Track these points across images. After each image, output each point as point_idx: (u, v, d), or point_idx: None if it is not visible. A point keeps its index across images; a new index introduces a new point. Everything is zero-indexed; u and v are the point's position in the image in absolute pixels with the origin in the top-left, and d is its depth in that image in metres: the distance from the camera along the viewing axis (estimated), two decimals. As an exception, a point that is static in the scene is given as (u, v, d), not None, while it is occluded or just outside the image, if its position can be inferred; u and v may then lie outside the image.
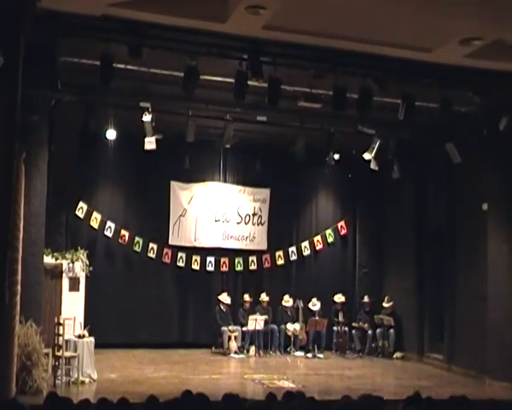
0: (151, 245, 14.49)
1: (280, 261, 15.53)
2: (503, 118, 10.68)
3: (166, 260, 14.61)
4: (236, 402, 5.26)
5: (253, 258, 15.26)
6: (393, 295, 15.20)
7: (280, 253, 15.51)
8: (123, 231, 14.35)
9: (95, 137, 12.46)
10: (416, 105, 10.22)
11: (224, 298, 14.53)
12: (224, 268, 15.07)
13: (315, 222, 16.22)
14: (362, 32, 8.80)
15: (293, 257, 15.68)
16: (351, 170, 15.73)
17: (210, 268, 14.93)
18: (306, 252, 15.79)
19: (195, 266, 14.81)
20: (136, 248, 14.41)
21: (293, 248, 15.69)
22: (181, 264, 14.72)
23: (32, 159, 9.53)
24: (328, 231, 16.02)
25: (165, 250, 14.60)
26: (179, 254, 14.69)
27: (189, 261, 14.76)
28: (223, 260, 15.04)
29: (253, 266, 15.29)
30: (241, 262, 15.20)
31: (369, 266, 16.19)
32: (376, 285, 15.96)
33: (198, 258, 14.83)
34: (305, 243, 15.80)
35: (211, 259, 14.91)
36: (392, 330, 14.78)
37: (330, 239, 16.01)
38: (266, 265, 15.43)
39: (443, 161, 12.75)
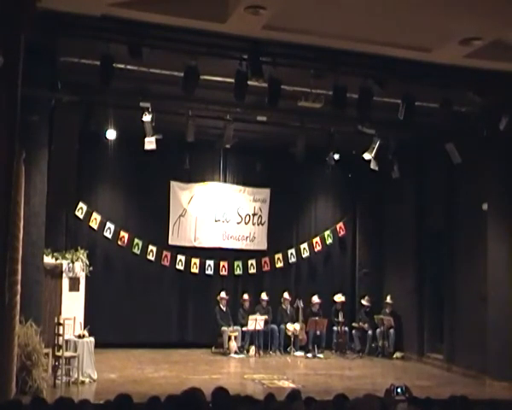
0: (150, 247, 14.48)
1: (279, 264, 15.53)
2: (503, 118, 10.68)
3: (166, 262, 14.61)
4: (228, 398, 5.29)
5: (252, 261, 15.25)
6: (393, 295, 15.21)
7: (279, 255, 15.51)
8: (122, 233, 14.35)
9: (95, 137, 12.50)
10: (416, 105, 10.22)
11: (223, 295, 14.55)
12: (224, 272, 15.07)
13: (314, 222, 16.23)
14: (362, 32, 8.80)
15: (293, 259, 15.69)
16: (351, 170, 15.75)
17: (209, 272, 14.93)
18: (306, 254, 15.80)
19: (195, 270, 14.82)
20: (136, 251, 14.41)
21: (292, 251, 15.69)
22: (180, 267, 14.73)
23: (32, 159, 9.53)
24: (327, 233, 16.02)
25: (165, 253, 14.60)
26: (178, 257, 14.69)
27: (188, 265, 14.76)
28: (222, 263, 15.03)
29: (252, 270, 15.29)
30: (241, 266, 15.19)
31: (369, 266, 16.19)
32: (376, 285, 15.96)
33: (197, 261, 14.83)
34: (305, 245, 15.80)
35: (210, 262, 14.90)
36: (392, 331, 14.78)
37: (329, 241, 16.01)
38: (266, 268, 15.44)
39: (443, 161, 12.75)
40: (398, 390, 5.67)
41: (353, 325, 15.28)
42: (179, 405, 4.90)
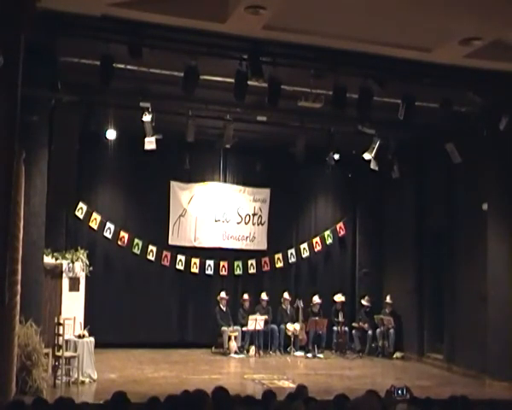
0: (150, 247, 14.48)
1: (279, 264, 15.52)
2: (503, 118, 10.68)
3: (166, 262, 14.61)
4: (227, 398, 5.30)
5: (252, 261, 15.24)
6: (393, 295, 15.21)
7: (279, 255, 15.51)
8: (122, 233, 14.35)
9: (95, 137, 12.49)
10: (416, 105, 10.22)
11: (223, 295, 14.55)
12: (224, 272, 15.07)
13: (314, 222, 16.23)
14: (362, 32, 8.80)
15: (293, 259, 15.68)
16: (351, 170, 15.75)
17: (209, 272, 14.93)
18: (305, 254, 15.79)
19: (195, 270, 14.82)
20: (136, 251, 14.41)
21: (292, 251, 15.68)
22: (180, 267, 14.73)
23: (31, 159, 9.54)
24: (327, 233, 16.02)
25: (165, 253, 14.60)
26: (178, 257, 14.69)
27: (188, 265, 14.76)
28: (222, 263, 15.03)
29: (252, 270, 15.29)
30: (241, 266, 15.20)
31: (369, 266, 16.18)
32: (376, 285, 15.96)
33: (197, 261, 14.83)
34: (305, 245, 15.80)
35: (210, 262, 14.90)
36: (392, 331, 14.77)
37: (329, 241, 16.01)
38: (266, 268, 15.43)
39: (443, 161, 12.75)
40: (399, 392, 5.67)
41: (353, 325, 15.28)
42: (185, 405, 4.89)
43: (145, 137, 11.72)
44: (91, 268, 11.86)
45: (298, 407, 5.32)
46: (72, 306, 11.13)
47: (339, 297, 15.27)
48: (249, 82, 9.42)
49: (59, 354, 10.09)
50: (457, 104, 10.64)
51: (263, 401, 5.70)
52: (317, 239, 15.93)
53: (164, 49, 9.11)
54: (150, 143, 11.78)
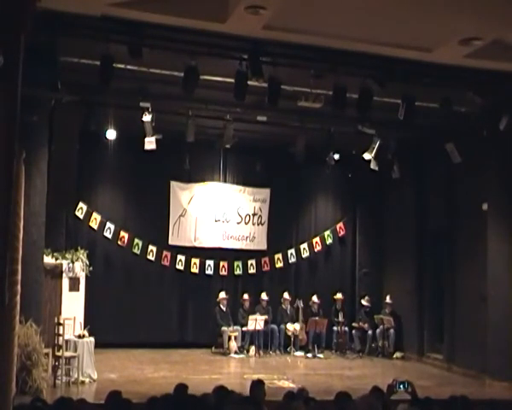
0: (150, 247, 14.48)
1: (279, 264, 15.52)
2: (503, 118, 10.68)
3: (166, 262, 14.61)
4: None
5: (252, 261, 15.24)
6: (393, 295, 15.21)
7: (279, 255, 15.51)
8: (122, 233, 14.36)
9: (95, 137, 12.50)
10: (416, 105, 10.22)
11: (223, 295, 14.55)
12: (224, 272, 15.07)
13: (315, 222, 16.23)
14: (362, 32, 8.80)
15: (293, 259, 15.68)
16: (351, 170, 15.75)
17: (209, 272, 14.93)
18: (305, 254, 15.79)
19: (195, 270, 14.81)
20: (136, 251, 14.41)
21: (292, 251, 15.68)
22: (180, 267, 14.73)
23: (31, 159, 9.52)
24: (327, 233, 16.02)
25: (165, 253, 14.60)
26: (178, 257, 14.69)
27: (188, 265, 14.76)
28: (222, 263, 15.03)
29: (252, 270, 15.29)
30: (241, 266, 15.19)
31: (369, 266, 16.19)
32: (376, 285, 15.97)
33: (197, 261, 14.83)
34: (305, 245, 15.80)
35: (210, 262, 14.90)
36: (392, 331, 14.78)
37: (329, 241, 16.01)
38: (265, 268, 15.43)
39: (443, 161, 12.75)
40: (401, 386, 5.67)
41: (353, 325, 15.29)
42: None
43: (145, 137, 11.72)
44: (91, 268, 11.85)
45: (298, 408, 5.32)
46: (72, 306, 11.13)
47: (338, 296, 15.27)
48: (249, 82, 9.42)
49: (59, 354, 10.09)
50: (457, 104, 10.64)
51: (251, 391, 5.73)
52: (317, 239, 15.94)
53: (164, 49, 9.11)
54: (150, 143, 11.78)
